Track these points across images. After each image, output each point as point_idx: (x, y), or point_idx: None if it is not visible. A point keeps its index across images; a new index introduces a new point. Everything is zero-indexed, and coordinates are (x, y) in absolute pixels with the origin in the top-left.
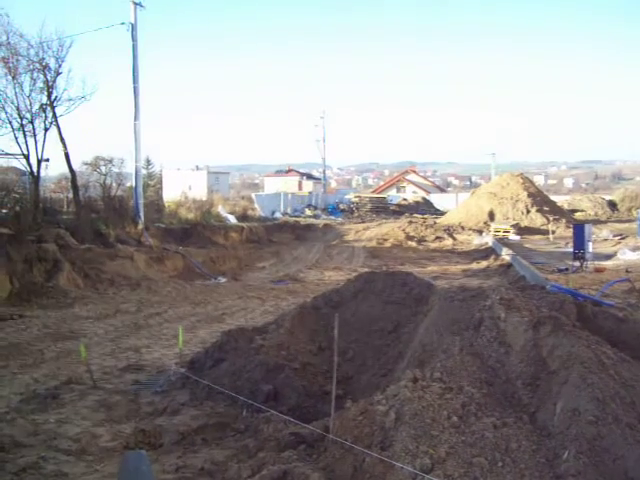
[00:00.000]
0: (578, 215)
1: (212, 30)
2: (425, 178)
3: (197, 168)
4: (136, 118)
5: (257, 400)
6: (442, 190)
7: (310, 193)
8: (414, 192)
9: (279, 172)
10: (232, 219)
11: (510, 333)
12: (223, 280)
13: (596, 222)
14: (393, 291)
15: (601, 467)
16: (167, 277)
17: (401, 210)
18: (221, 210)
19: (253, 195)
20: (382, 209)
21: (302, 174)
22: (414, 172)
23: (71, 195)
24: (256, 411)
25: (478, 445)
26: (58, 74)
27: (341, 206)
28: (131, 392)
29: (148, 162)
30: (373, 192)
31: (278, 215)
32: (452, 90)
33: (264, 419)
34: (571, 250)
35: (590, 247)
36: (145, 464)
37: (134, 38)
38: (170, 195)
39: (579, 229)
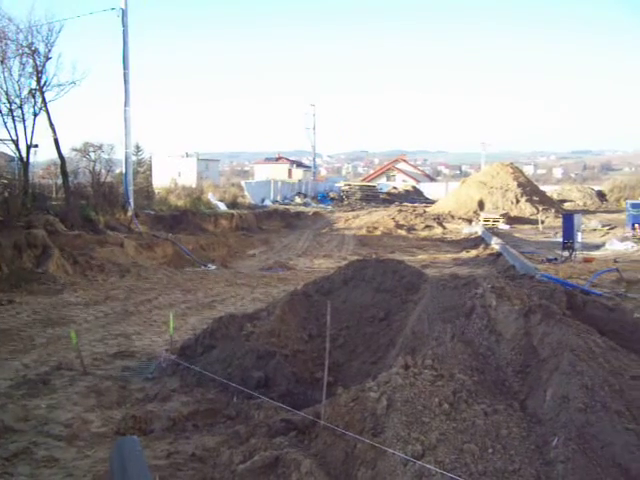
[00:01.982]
0: (567, 205)
1: (203, 16)
2: (415, 167)
3: (187, 155)
4: (126, 104)
5: (248, 387)
6: (432, 179)
7: (300, 181)
8: (404, 181)
9: (269, 160)
10: (222, 206)
11: (501, 321)
12: (213, 267)
13: (585, 212)
14: (384, 279)
15: (590, 453)
16: (157, 264)
17: (391, 199)
18: (211, 197)
19: (243, 182)
20: (372, 197)
21: (292, 162)
22: (404, 161)
23: (60, 181)
24: (247, 397)
25: (469, 432)
26: (47, 59)
27: (331, 194)
28: (122, 378)
29: (138, 148)
30: (363, 180)
31: (268, 203)
32: (443, 79)
33: (255, 405)
34: (560, 240)
35: (579, 237)
36: (137, 449)
37: (124, 24)
38: (160, 182)
39: (568, 219)
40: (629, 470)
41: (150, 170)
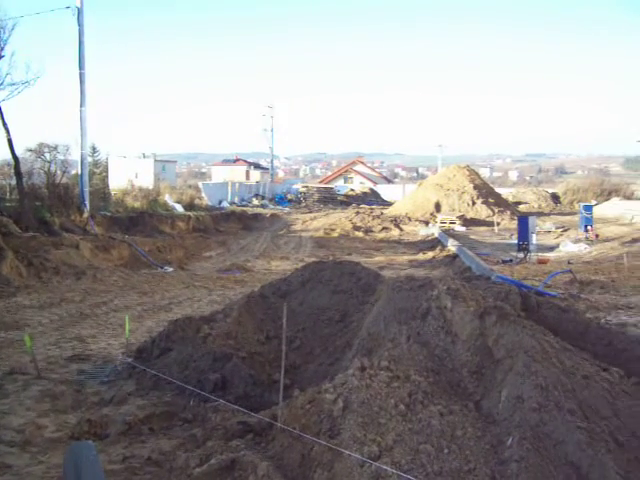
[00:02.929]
0: (522, 207)
1: (161, 17)
2: (373, 169)
3: (144, 156)
4: (82, 105)
5: (205, 389)
6: (389, 181)
7: (258, 183)
8: (361, 183)
9: (227, 161)
10: (179, 208)
11: (456, 322)
12: (170, 269)
13: (540, 214)
14: (341, 281)
15: (543, 452)
16: (113, 266)
17: (348, 200)
18: (168, 199)
19: (200, 184)
20: (329, 199)
21: (250, 163)
22: (362, 163)
23: (14, 182)
24: (204, 400)
25: (425, 432)
26: (0, 57)
27: (289, 196)
28: (77, 382)
29: (94, 149)
30: (321, 182)
31: (225, 204)
32: (400, 81)
33: (212, 408)
34: (515, 242)
35: (534, 239)
36: (92, 454)
37: (80, 23)
38: (116, 183)
39: (523, 221)
40: (580, 467)
41: (106, 171)
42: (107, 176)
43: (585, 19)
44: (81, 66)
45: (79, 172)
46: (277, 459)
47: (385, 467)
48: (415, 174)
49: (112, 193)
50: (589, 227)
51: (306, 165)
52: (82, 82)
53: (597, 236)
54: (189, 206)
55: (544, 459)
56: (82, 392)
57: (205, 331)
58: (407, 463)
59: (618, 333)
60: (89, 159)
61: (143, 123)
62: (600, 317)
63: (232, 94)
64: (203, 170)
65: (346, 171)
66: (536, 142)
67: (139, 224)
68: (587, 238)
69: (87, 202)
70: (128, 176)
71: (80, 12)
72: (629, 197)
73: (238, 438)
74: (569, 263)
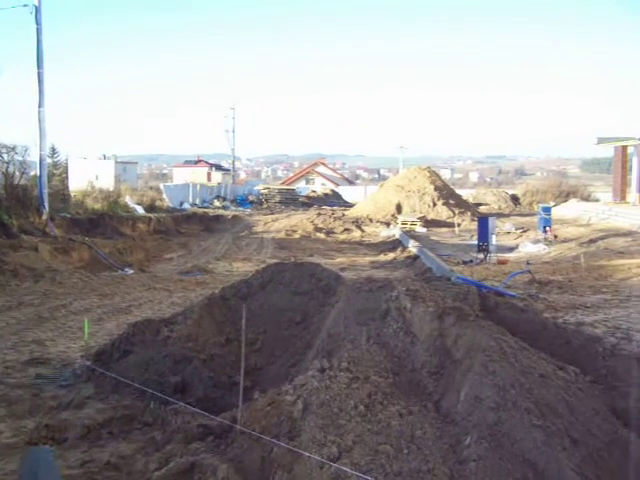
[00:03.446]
0: (483, 208)
1: (121, 18)
2: (334, 170)
3: (104, 157)
4: (40, 105)
5: (165, 392)
6: (351, 182)
7: (219, 184)
8: (323, 184)
9: (188, 163)
10: (140, 209)
11: (416, 323)
12: (130, 271)
13: (500, 215)
14: (301, 282)
15: (501, 451)
16: (73, 268)
17: (310, 202)
18: (128, 200)
19: (161, 185)
20: (291, 201)
21: (211, 165)
22: (323, 164)
23: None
24: (164, 403)
25: (384, 433)
26: None
27: (250, 197)
28: (34, 386)
29: (53, 151)
30: (282, 184)
31: (186, 206)
32: (362, 82)
33: (172, 411)
34: (476, 243)
35: (494, 240)
36: (49, 459)
37: (38, 22)
38: (76, 185)
39: (483, 222)
40: (537, 465)
41: (66, 173)
42: (67, 177)
43: (547, 20)
44: (39, 65)
45: (38, 173)
46: (237, 461)
47: (344, 468)
48: (377, 175)
49: (72, 195)
50: (548, 228)
51: (268, 166)
52: (40, 82)
53: (555, 237)
54: (150, 208)
55: (502, 458)
56: (40, 396)
57: (165, 333)
58: (366, 464)
59: (574, 332)
60: (48, 160)
61: (104, 124)
62: (558, 317)
63: (194, 95)
64: (165, 171)
65: (308, 172)
66: (496, 144)
67: (99, 226)
68: (546, 239)
69: (46, 204)
70: (88, 177)
71: (38, 10)
72: (586, 199)
73: (198, 441)
74: (528, 263)
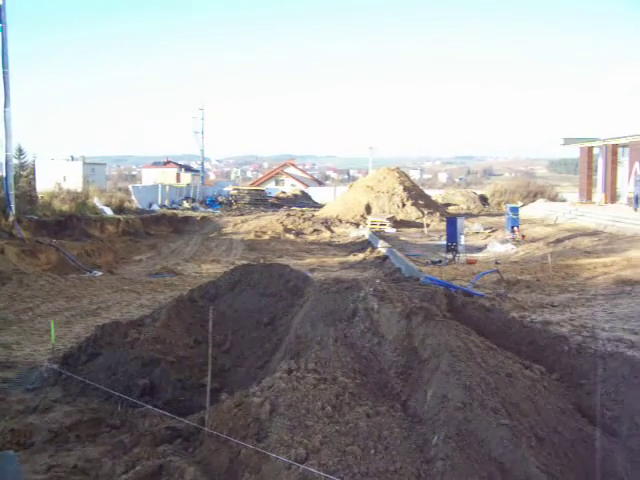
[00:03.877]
0: (451, 209)
1: (91, 18)
2: (304, 171)
3: (72, 159)
4: (6, 105)
5: (133, 395)
6: (320, 183)
7: (188, 185)
8: (293, 185)
9: (157, 164)
10: (108, 211)
11: (383, 324)
12: (99, 273)
13: (468, 216)
14: (270, 283)
15: (467, 450)
16: (40, 271)
17: (280, 203)
18: (97, 202)
19: (130, 187)
20: (261, 202)
21: (180, 166)
22: (293, 165)
23: None
24: (132, 406)
25: (351, 434)
26: None
27: (220, 198)
28: (0, 390)
29: (20, 152)
30: (252, 185)
31: (156, 207)
32: (331, 82)
33: (140, 414)
34: (444, 243)
35: (462, 240)
36: (14, 464)
37: (2, 21)
38: (44, 186)
39: (452, 222)
40: (503, 463)
41: (33, 174)
42: (34, 179)
43: (514, 19)
44: (5, 65)
45: (4, 174)
46: (205, 464)
47: (312, 469)
48: (346, 176)
49: (39, 196)
50: (516, 228)
51: (237, 167)
52: (6, 82)
53: (523, 237)
54: (119, 209)
55: (469, 457)
56: (6, 400)
57: (133, 336)
58: (334, 464)
59: (540, 331)
60: (15, 161)
61: (72, 125)
62: (525, 316)
63: (163, 96)
64: (134, 173)
65: (277, 173)
66: (465, 145)
67: (67, 228)
68: (514, 239)
69: (13, 205)
70: (56, 179)
71: (2, 9)
72: (553, 199)
73: (166, 443)
74: (496, 263)
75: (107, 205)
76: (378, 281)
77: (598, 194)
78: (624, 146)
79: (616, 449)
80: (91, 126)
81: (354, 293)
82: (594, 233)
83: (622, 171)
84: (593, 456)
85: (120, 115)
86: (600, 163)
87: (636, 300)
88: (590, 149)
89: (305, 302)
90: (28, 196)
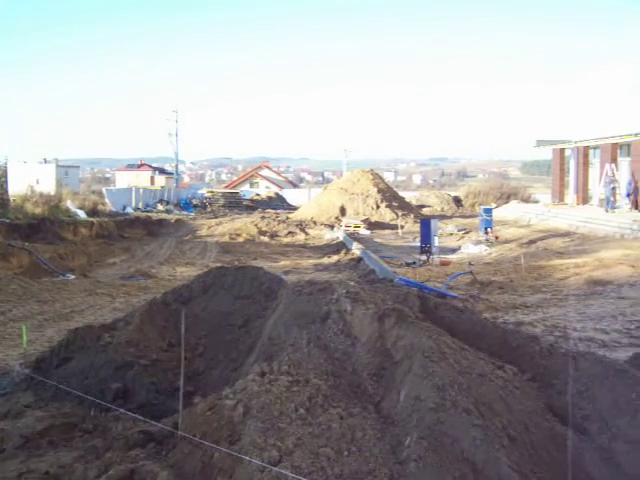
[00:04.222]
0: (426, 210)
1: (63, 18)
2: (278, 173)
3: (45, 161)
4: None
5: (106, 399)
6: (295, 185)
7: (162, 188)
8: (267, 187)
9: (131, 166)
10: (81, 214)
11: (356, 325)
12: (72, 277)
13: (442, 217)
14: (243, 286)
15: (440, 450)
16: (12, 274)
17: (254, 205)
18: (70, 205)
19: (104, 189)
20: (235, 204)
21: (154, 168)
22: (267, 167)
23: None
24: (105, 410)
25: (325, 436)
26: None
27: (194, 201)
28: None
29: None
30: (226, 187)
31: (129, 210)
32: (305, 85)
33: (113, 418)
34: (419, 244)
35: (436, 241)
36: None
37: None
38: (16, 189)
39: (426, 224)
40: (475, 464)
41: (5, 177)
42: (6, 181)
43: (476, 20)
44: None
45: None
46: (178, 467)
47: (285, 471)
48: (321, 178)
49: (11, 199)
50: (489, 229)
51: (212, 170)
52: None
53: (497, 238)
54: (92, 212)
55: (441, 457)
56: None
57: (106, 339)
58: (307, 467)
59: (512, 331)
60: None
61: (45, 128)
62: (498, 316)
63: (136, 98)
64: (107, 175)
65: (252, 176)
66: (439, 147)
67: (40, 231)
68: (487, 240)
69: None
70: (29, 182)
71: None
72: (526, 200)
73: (139, 447)
74: (470, 264)
75: (80, 208)
76: (351, 283)
77: (570, 195)
78: (595, 148)
79: (587, 448)
80: (64, 128)
81: (327, 295)
82: (566, 234)
83: (593, 172)
84: (564, 455)
85: (93, 117)
86: (572, 165)
87: (607, 300)
88: (562, 151)
89: (278, 304)
90: (0, 199)
